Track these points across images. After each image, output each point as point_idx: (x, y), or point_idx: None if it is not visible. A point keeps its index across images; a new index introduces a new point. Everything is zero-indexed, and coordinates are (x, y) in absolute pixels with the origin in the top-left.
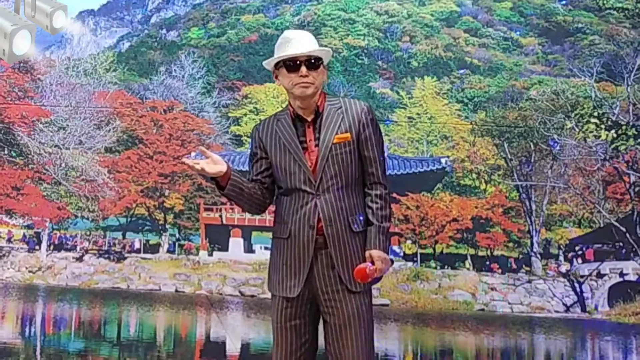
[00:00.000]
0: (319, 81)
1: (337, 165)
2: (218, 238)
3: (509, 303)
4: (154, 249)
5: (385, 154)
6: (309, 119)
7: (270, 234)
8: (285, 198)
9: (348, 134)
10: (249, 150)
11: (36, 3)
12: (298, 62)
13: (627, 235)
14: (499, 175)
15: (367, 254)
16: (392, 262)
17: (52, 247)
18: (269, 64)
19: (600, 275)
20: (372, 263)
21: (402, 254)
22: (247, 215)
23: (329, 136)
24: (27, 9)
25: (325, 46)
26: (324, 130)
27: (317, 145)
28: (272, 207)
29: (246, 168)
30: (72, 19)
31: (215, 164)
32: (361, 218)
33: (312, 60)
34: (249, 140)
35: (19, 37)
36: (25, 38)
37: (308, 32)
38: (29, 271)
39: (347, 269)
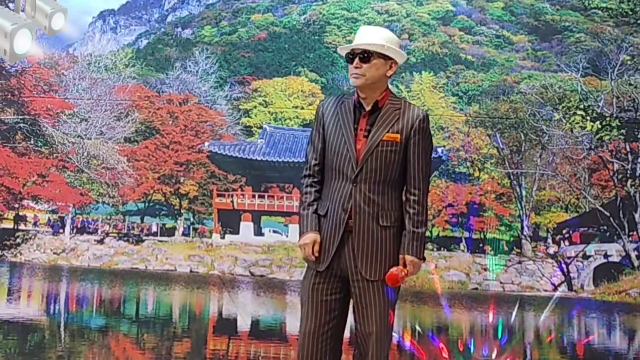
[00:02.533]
0: (370, 74)
1: (379, 161)
2: (230, 222)
3: (501, 282)
4: (170, 232)
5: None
6: (367, 110)
7: (277, 219)
8: (330, 174)
9: (398, 135)
10: (314, 124)
11: (36, 3)
12: (353, 55)
13: (611, 219)
14: (491, 163)
15: (401, 257)
16: (424, 259)
17: (75, 231)
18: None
19: (585, 257)
20: (405, 266)
21: None
22: (257, 201)
23: (379, 132)
24: (28, 8)
25: (330, 43)
26: (377, 125)
27: (365, 137)
28: (280, 193)
29: (255, 157)
30: (93, 17)
31: (316, 244)
32: (393, 214)
33: (365, 54)
34: (259, 131)
35: (19, 36)
36: (26, 37)
37: (384, 29)
38: (54, 253)
39: (366, 258)
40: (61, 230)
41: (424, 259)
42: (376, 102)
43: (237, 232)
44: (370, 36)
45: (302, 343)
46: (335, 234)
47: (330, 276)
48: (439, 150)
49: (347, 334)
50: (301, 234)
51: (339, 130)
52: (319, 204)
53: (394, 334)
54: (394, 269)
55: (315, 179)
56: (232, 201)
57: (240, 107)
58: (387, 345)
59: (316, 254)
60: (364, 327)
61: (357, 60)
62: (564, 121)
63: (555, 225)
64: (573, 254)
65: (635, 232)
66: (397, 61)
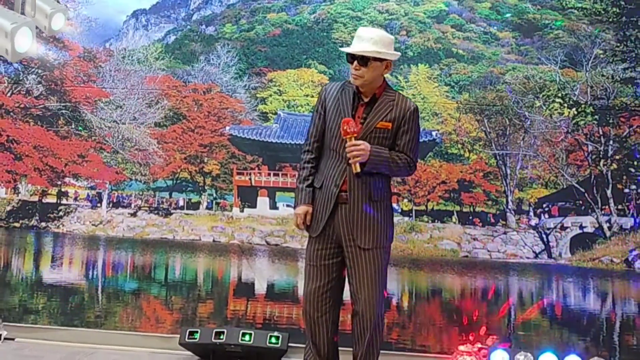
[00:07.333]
0: (368, 75)
1: (372, 144)
2: (248, 197)
3: (488, 251)
4: (195, 206)
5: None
6: (365, 100)
7: (290, 194)
8: (327, 153)
9: (390, 124)
10: (316, 105)
11: (36, 3)
12: (353, 57)
13: (586, 194)
14: (480, 145)
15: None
16: (369, 156)
17: (111, 205)
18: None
19: (563, 228)
20: (358, 136)
21: (399, 211)
22: (272, 179)
23: (374, 120)
24: (28, 8)
25: (337, 39)
26: (373, 114)
27: (361, 123)
28: (293, 172)
29: (270, 140)
30: (127, 16)
31: (308, 214)
32: (383, 191)
33: (363, 59)
34: (274, 116)
35: (20, 35)
36: (26, 35)
37: (379, 30)
38: (92, 224)
39: (359, 229)
40: (99, 205)
41: (365, 165)
42: (374, 95)
43: (255, 206)
44: (366, 41)
45: (305, 300)
46: (328, 205)
47: (329, 243)
48: (434, 133)
49: (347, 294)
50: (296, 205)
51: (338, 114)
52: (315, 177)
53: (392, 295)
54: (352, 122)
55: (313, 156)
56: (250, 179)
57: (257, 95)
58: (379, 307)
59: (308, 223)
60: (356, 290)
61: (356, 62)
62: (544, 108)
63: (536, 200)
64: (552, 226)
65: (607, 206)
66: (392, 61)
